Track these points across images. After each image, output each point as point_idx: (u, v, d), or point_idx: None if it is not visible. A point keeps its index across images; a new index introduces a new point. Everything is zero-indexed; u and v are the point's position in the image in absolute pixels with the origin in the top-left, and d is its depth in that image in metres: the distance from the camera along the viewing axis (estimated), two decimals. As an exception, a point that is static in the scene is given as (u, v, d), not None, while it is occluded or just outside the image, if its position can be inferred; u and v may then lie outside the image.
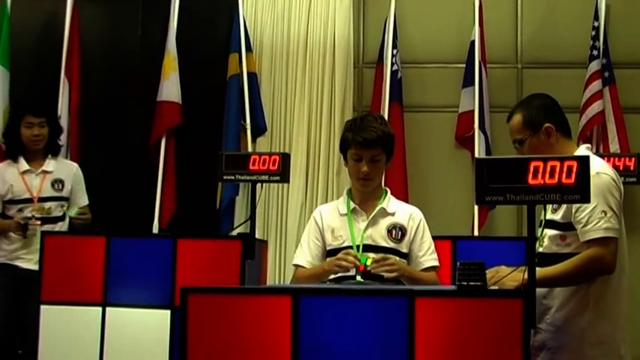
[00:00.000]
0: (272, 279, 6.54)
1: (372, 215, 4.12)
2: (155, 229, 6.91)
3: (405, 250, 4.11)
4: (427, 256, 4.14)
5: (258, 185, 4.88)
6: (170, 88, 7.10)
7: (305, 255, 4.19)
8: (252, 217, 4.96)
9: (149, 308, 4.80)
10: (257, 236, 5.16)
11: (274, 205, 7.18)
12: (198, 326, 2.96)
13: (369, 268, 3.90)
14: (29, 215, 5.61)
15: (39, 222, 5.60)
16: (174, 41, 7.15)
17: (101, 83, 7.42)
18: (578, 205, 3.46)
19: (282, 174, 4.77)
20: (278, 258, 7.04)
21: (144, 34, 7.51)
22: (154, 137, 7.11)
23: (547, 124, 3.72)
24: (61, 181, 5.78)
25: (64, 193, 5.79)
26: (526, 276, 3.00)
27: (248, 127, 7.13)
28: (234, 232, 5.87)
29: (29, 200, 5.67)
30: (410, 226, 4.14)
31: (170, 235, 5.41)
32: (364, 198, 4.17)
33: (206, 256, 4.79)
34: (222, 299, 2.99)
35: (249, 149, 7.06)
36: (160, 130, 7.10)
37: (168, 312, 4.74)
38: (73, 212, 5.71)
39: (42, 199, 5.69)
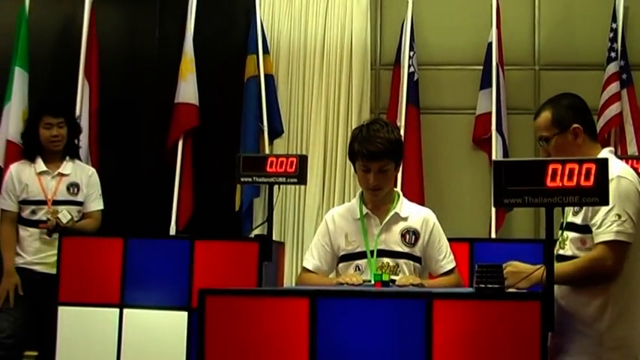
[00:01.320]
0: (289, 280, 6.54)
1: (386, 220, 4.12)
2: (172, 231, 6.92)
3: (418, 253, 4.11)
4: (446, 259, 4.16)
5: (276, 187, 4.88)
6: (187, 90, 7.11)
7: (314, 259, 4.20)
8: (269, 219, 4.96)
9: (166, 310, 4.81)
10: (274, 238, 5.16)
11: (291, 207, 7.18)
12: (215, 328, 2.96)
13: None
14: (44, 218, 5.53)
15: (53, 222, 5.47)
16: (192, 43, 7.16)
17: (119, 85, 7.44)
18: (596, 210, 3.44)
19: (300, 176, 4.77)
20: (295, 259, 7.04)
21: (161, 36, 7.54)
22: (171, 139, 7.13)
23: (575, 125, 3.69)
24: (76, 185, 5.70)
25: (79, 198, 5.71)
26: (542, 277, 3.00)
27: (265, 129, 7.13)
28: (252, 234, 5.89)
29: (43, 202, 5.59)
30: (423, 230, 4.13)
31: (187, 236, 5.42)
32: (376, 203, 4.16)
33: (223, 258, 4.80)
34: (239, 301, 2.99)
35: (267, 151, 7.07)
36: (177, 132, 7.11)
37: (185, 313, 4.75)
38: (65, 220, 5.52)
39: (56, 202, 5.61)
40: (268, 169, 4.80)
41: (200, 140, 7.23)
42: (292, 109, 7.32)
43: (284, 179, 4.80)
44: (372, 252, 4.07)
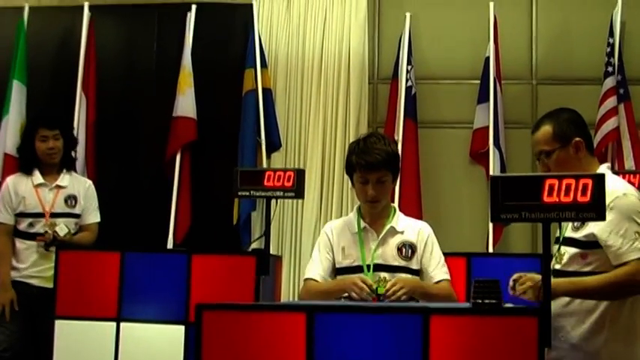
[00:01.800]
0: (286, 294, 6.54)
1: (382, 234, 4.12)
2: (170, 245, 6.92)
3: (415, 267, 4.11)
4: (437, 269, 4.13)
5: (273, 201, 4.88)
6: (185, 104, 7.12)
7: (317, 269, 4.18)
8: (266, 233, 4.97)
9: (163, 323, 4.80)
10: (271, 252, 5.17)
11: (289, 221, 7.18)
12: (212, 342, 2.96)
13: (382, 299, 3.90)
14: (42, 231, 5.52)
15: (50, 235, 5.47)
16: (190, 57, 7.18)
17: (117, 98, 7.46)
18: (609, 227, 3.44)
19: (297, 190, 4.78)
20: (292, 273, 7.04)
21: (159, 50, 7.55)
22: (169, 152, 7.13)
23: (577, 139, 3.70)
24: (74, 197, 5.69)
25: (77, 210, 5.70)
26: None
27: (263, 142, 7.13)
28: (250, 248, 5.89)
29: (41, 215, 5.57)
30: (419, 242, 4.14)
31: (185, 250, 5.41)
32: (374, 217, 4.17)
33: (221, 272, 4.79)
34: (237, 316, 2.99)
35: (264, 165, 7.06)
36: (175, 146, 7.12)
37: (182, 327, 4.74)
38: (62, 233, 5.51)
39: (54, 215, 5.59)
40: (266, 183, 4.81)
41: (198, 154, 7.23)
42: (290, 123, 7.32)
43: (281, 193, 4.81)
44: (368, 266, 4.07)
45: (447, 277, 4.16)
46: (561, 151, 3.70)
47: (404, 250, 4.11)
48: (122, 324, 4.85)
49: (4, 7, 7.55)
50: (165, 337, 4.78)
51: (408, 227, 4.19)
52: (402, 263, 4.08)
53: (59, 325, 4.92)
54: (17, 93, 7.00)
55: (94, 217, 5.82)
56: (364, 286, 3.92)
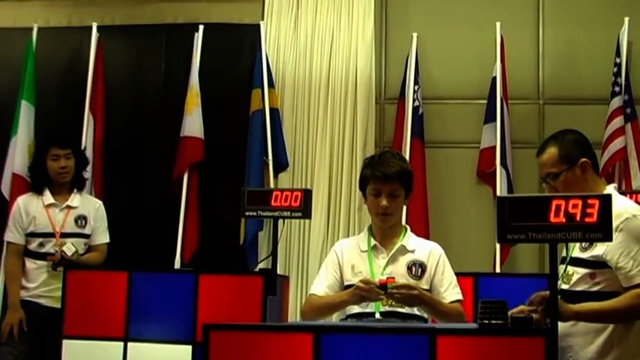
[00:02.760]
0: (293, 315, 6.53)
1: (392, 252, 4.13)
2: (177, 265, 6.92)
3: (425, 286, 4.11)
4: (450, 290, 4.14)
5: (280, 221, 4.88)
6: (193, 124, 7.14)
7: (322, 285, 4.21)
8: (273, 253, 4.96)
9: (171, 343, 4.79)
10: (279, 272, 5.16)
11: (296, 241, 7.17)
12: (219, 363, 2.96)
13: (389, 290, 3.88)
14: (52, 251, 5.52)
15: (59, 255, 5.49)
16: (197, 77, 7.20)
17: (125, 118, 7.49)
18: (619, 249, 3.44)
19: (304, 210, 4.77)
20: (299, 294, 7.03)
21: (167, 70, 7.58)
22: (176, 172, 7.15)
23: (583, 159, 3.70)
24: (84, 218, 5.70)
25: (87, 230, 5.71)
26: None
27: (270, 162, 7.13)
28: (257, 268, 5.88)
29: (51, 235, 5.58)
30: (430, 262, 4.15)
31: (192, 270, 5.41)
32: (385, 235, 4.17)
33: (228, 292, 4.79)
34: (244, 336, 2.99)
35: (271, 185, 7.07)
36: (182, 165, 7.14)
37: (189, 347, 4.73)
38: (69, 252, 5.51)
39: (64, 235, 5.60)
40: (273, 203, 4.80)
41: (205, 174, 7.25)
42: (297, 143, 7.33)
43: (289, 213, 4.81)
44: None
45: (459, 297, 4.17)
46: (568, 172, 3.70)
47: (414, 268, 4.12)
48: (129, 344, 4.84)
49: (12, 27, 7.61)
50: (173, 357, 4.77)
51: (419, 247, 4.21)
52: (412, 282, 4.07)
53: (67, 344, 4.92)
54: (25, 113, 7.03)
55: (103, 237, 5.83)
56: (369, 286, 3.91)
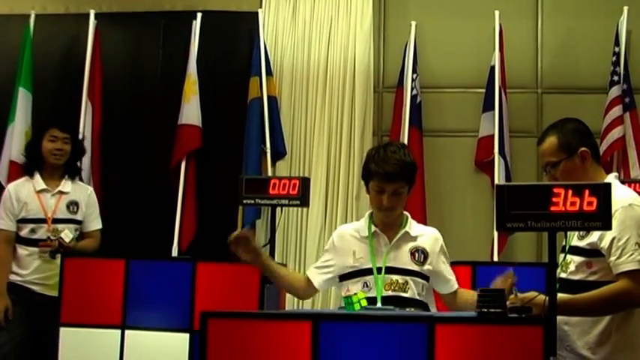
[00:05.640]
0: (290, 303, 6.52)
1: (396, 239, 4.12)
2: (175, 252, 6.92)
3: (426, 272, 4.12)
4: (453, 278, 4.22)
5: (278, 209, 4.87)
6: (191, 112, 7.13)
7: (313, 267, 4.31)
8: (271, 241, 4.97)
9: (168, 331, 4.80)
10: (276, 260, 5.16)
11: (293, 229, 7.17)
12: (217, 351, 2.96)
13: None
14: (44, 237, 5.43)
15: (56, 244, 5.40)
16: (195, 65, 7.19)
17: (122, 106, 7.48)
18: (610, 237, 3.43)
19: (302, 198, 4.78)
20: (297, 281, 7.03)
21: (165, 57, 7.57)
22: (174, 160, 7.14)
23: (583, 148, 3.69)
24: (76, 204, 5.61)
25: (79, 217, 5.62)
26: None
27: (268, 150, 7.13)
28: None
29: (43, 220, 5.48)
30: (432, 249, 4.16)
31: (189, 258, 5.41)
32: (387, 224, 4.17)
33: (225, 280, 4.80)
34: (242, 324, 2.99)
35: (269, 173, 7.07)
36: (180, 153, 7.13)
37: (187, 335, 4.74)
38: (67, 239, 5.43)
39: (56, 221, 5.50)
40: (271, 191, 4.81)
41: (203, 162, 7.24)
42: (295, 131, 7.33)
43: (286, 201, 4.81)
44: (379, 269, 4.06)
45: (458, 286, 4.25)
46: (568, 161, 3.69)
47: (417, 254, 4.11)
48: (127, 332, 4.85)
49: (10, 14, 7.58)
50: (170, 344, 4.77)
51: (422, 234, 4.21)
52: (415, 268, 4.08)
53: (64, 332, 4.92)
54: (23, 100, 7.02)
55: (96, 223, 5.77)
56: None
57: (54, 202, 5.55)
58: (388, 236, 4.13)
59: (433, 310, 4.14)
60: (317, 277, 4.23)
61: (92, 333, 4.89)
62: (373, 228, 4.17)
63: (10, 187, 5.64)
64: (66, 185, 5.64)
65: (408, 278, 4.06)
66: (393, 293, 4.03)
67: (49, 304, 5.16)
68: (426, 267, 4.12)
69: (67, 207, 5.59)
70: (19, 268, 5.49)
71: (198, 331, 3.05)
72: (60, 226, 5.50)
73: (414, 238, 4.16)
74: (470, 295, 4.11)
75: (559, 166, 3.69)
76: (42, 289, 5.46)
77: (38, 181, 5.57)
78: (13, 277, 5.47)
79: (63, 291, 4.96)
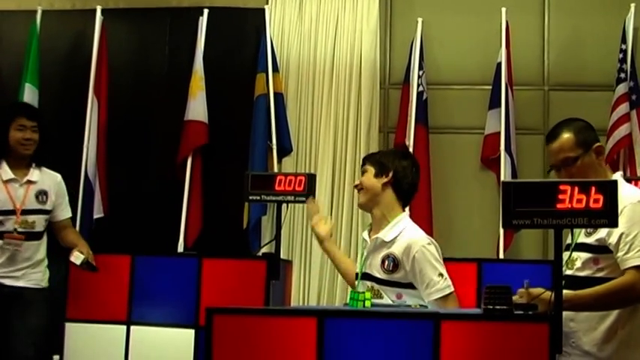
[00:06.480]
0: (296, 299, 6.54)
1: (372, 245, 4.09)
2: (180, 248, 6.92)
3: (402, 280, 3.96)
4: (429, 288, 3.90)
5: (284, 205, 4.88)
6: (197, 108, 7.13)
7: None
8: (277, 238, 4.97)
9: (173, 327, 4.82)
10: (282, 256, 5.17)
11: (299, 226, 7.17)
12: (222, 347, 2.95)
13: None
14: (11, 229, 5.16)
15: (23, 237, 5.18)
16: (202, 61, 7.19)
17: (129, 102, 7.48)
18: (619, 232, 3.43)
19: (308, 194, 4.77)
20: (302, 278, 7.04)
21: (171, 54, 7.57)
22: (180, 156, 7.14)
23: (598, 144, 3.69)
24: (45, 193, 5.31)
25: (48, 206, 5.33)
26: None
27: (274, 147, 7.13)
28: (260, 252, 5.88)
29: (11, 212, 5.18)
30: (404, 258, 3.96)
31: (195, 254, 5.41)
32: (374, 226, 4.16)
33: (231, 276, 4.80)
34: (247, 320, 2.98)
35: (275, 169, 7.07)
36: (186, 149, 7.13)
37: (192, 331, 4.75)
38: (78, 262, 4.99)
39: (25, 212, 5.22)
40: (277, 187, 4.80)
41: (209, 158, 7.24)
42: (301, 128, 7.33)
43: (292, 198, 4.81)
44: (361, 274, 4.11)
45: (438, 295, 3.91)
46: (585, 156, 3.67)
47: (386, 262, 3.99)
48: (132, 327, 4.86)
49: (16, 10, 7.59)
50: (175, 340, 4.79)
51: (398, 239, 4.03)
52: (384, 276, 3.98)
53: (69, 327, 4.94)
54: (29, 96, 7.02)
55: (67, 212, 5.50)
56: None
57: (23, 193, 5.27)
58: (371, 241, 4.13)
59: None
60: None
61: (98, 328, 4.91)
62: (365, 233, 4.18)
63: None
64: (34, 174, 5.34)
65: (378, 286, 4.00)
66: (367, 270, 4.06)
67: (17, 295, 5.11)
68: (398, 275, 3.96)
69: (36, 197, 5.30)
70: None
71: (203, 327, 3.04)
72: (29, 218, 5.24)
73: (388, 244, 4.02)
74: (452, 307, 3.89)
75: (577, 162, 3.66)
76: (10, 282, 5.20)
77: (5, 171, 5.27)
78: None
79: (69, 287, 4.98)
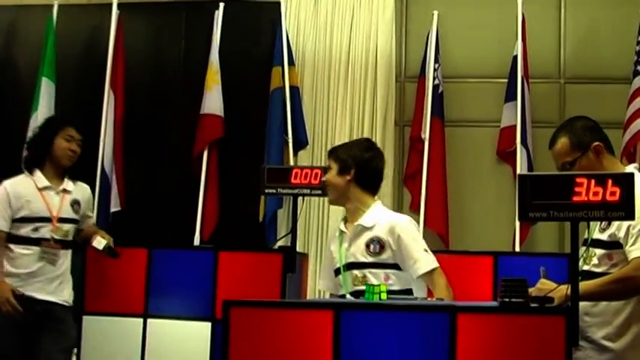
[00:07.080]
0: (312, 292, 6.55)
1: (353, 234, 4.13)
2: (197, 242, 6.94)
3: (389, 261, 4.08)
4: (417, 263, 4.04)
5: (300, 198, 4.88)
6: (213, 101, 7.14)
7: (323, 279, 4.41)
8: (293, 231, 4.97)
9: (190, 320, 4.84)
10: (298, 249, 5.18)
11: (315, 219, 7.18)
12: (239, 339, 2.97)
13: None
14: (47, 236, 5.04)
15: (59, 246, 5.07)
16: (217, 54, 7.20)
17: (145, 96, 7.50)
18: (626, 225, 3.43)
19: (324, 188, 4.78)
20: (318, 271, 7.01)
21: (187, 47, 7.58)
22: (196, 149, 7.16)
23: (595, 143, 3.69)
24: (78, 203, 5.24)
25: (78, 216, 5.25)
26: (569, 292, 2.99)
27: (290, 140, 7.14)
28: (276, 245, 5.89)
29: (47, 219, 5.06)
30: (389, 238, 4.09)
31: (211, 247, 5.43)
32: (349, 217, 4.23)
33: (247, 269, 4.82)
34: (264, 313, 3.00)
35: (291, 163, 7.08)
36: (202, 143, 7.15)
37: (209, 324, 4.77)
38: (101, 246, 4.99)
39: (61, 220, 5.11)
40: (293, 180, 4.81)
41: (225, 151, 7.25)
42: (317, 121, 7.33)
43: (308, 191, 4.81)
44: (344, 266, 4.13)
45: (427, 269, 4.05)
46: (582, 158, 3.69)
47: (372, 245, 4.09)
48: (149, 320, 4.89)
49: (33, 4, 7.61)
50: (192, 333, 4.81)
51: (378, 222, 4.14)
52: (371, 259, 4.09)
53: (87, 320, 4.97)
54: (46, 90, 7.06)
55: (90, 221, 5.43)
56: None
57: (59, 201, 5.17)
58: (349, 231, 4.16)
59: (422, 295, 4.10)
60: (329, 280, 4.37)
61: (115, 321, 4.94)
62: (342, 226, 4.24)
63: (7, 186, 5.15)
64: (69, 184, 5.25)
65: (365, 271, 4.08)
66: (357, 288, 4.07)
67: (49, 312, 4.97)
68: (385, 255, 4.08)
69: (72, 206, 5.22)
70: (14, 268, 5.03)
71: (220, 320, 3.06)
72: (65, 226, 5.14)
73: (370, 229, 4.13)
74: (441, 280, 4.05)
75: (575, 165, 3.70)
76: (43, 295, 5.02)
77: (40, 178, 5.16)
78: (10, 280, 4.99)
79: (86, 280, 5.00)
